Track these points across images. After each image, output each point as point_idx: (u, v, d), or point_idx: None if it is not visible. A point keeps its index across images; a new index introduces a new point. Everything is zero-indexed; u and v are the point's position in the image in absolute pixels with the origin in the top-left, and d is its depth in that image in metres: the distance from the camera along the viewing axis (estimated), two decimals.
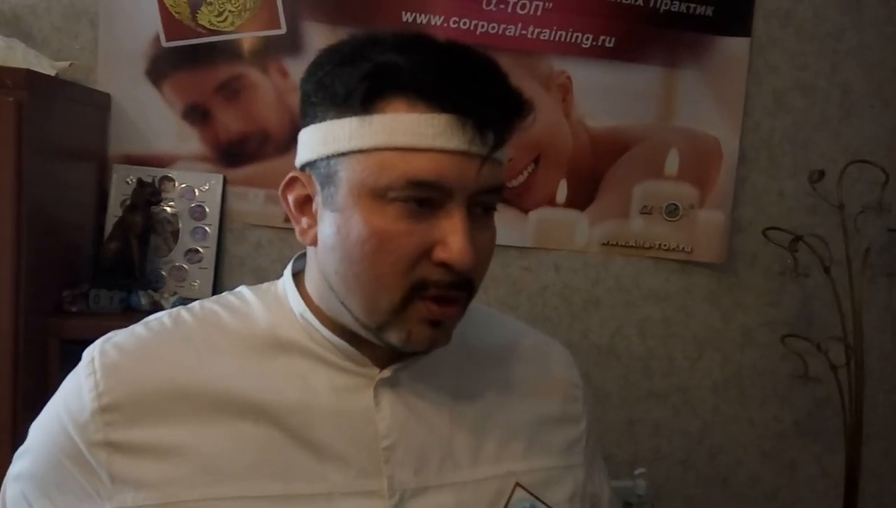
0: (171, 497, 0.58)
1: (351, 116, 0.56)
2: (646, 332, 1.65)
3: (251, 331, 0.64)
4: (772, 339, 1.63)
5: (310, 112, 0.60)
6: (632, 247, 1.62)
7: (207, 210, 1.48)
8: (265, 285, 0.69)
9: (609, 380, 1.64)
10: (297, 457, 0.60)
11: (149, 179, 1.41)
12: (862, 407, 1.50)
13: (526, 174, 1.57)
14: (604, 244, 1.61)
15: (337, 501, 0.60)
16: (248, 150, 1.50)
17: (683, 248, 1.61)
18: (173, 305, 1.33)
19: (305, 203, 0.62)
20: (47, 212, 1.23)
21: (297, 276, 0.66)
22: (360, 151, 0.56)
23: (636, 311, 1.64)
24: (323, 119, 0.58)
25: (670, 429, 1.66)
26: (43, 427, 0.62)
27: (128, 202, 1.37)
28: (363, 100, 0.56)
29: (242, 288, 0.69)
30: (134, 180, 1.42)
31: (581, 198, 1.60)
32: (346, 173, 0.57)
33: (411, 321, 0.58)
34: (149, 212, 1.37)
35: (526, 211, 1.58)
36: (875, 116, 1.63)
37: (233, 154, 1.50)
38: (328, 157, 0.58)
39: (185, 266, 1.47)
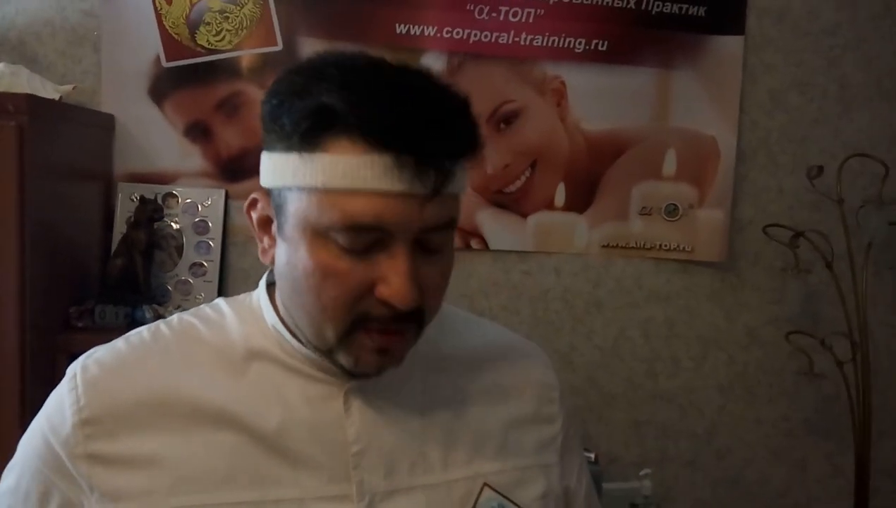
0: (148, 506, 0.60)
1: (294, 152, 0.56)
2: (649, 333, 1.64)
3: (226, 343, 0.66)
4: (776, 337, 1.62)
5: (265, 137, 0.61)
6: (632, 248, 1.62)
7: (210, 224, 1.51)
8: (242, 296, 0.71)
9: (614, 382, 1.64)
10: (271, 465, 0.62)
11: (151, 196, 1.45)
12: (870, 403, 1.49)
13: (523, 179, 1.58)
14: (604, 246, 1.62)
15: (308, 505, 0.62)
16: (248, 165, 1.53)
17: (684, 248, 1.61)
18: None
19: (267, 223, 0.63)
20: (53, 232, 1.27)
21: (271, 287, 0.68)
22: (302, 188, 0.56)
23: (639, 313, 1.64)
24: (273, 148, 0.59)
25: (677, 430, 1.66)
26: (28, 442, 0.64)
27: (132, 219, 1.41)
28: (304, 139, 0.56)
29: (219, 301, 0.71)
30: (138, 198, 1.45)
31: (579, 201, 1.60)
32: (292, 207, 0.58)
33: (357, 348, 0.60)
34: (152, 228, 1.40)
35: (524, 215, 1.60)
36: (874, 110, 1.62)
37: (234, 169, 1.53)
38: (278, 188, 0.59)
39: (189, 280, 1.50)
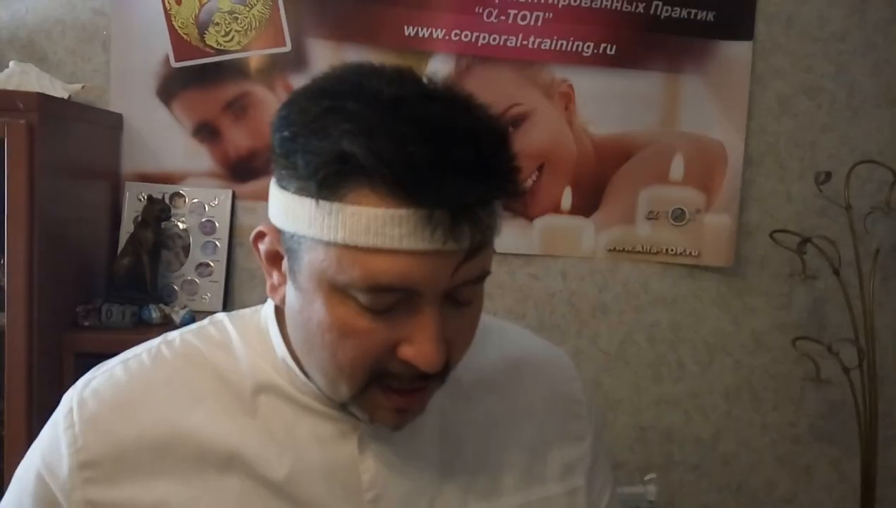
0: None
1: (310, 198, 0.50)
2: (655, 338, 1.64)
3: (233, 373, 0.61)
4: (783, 342, 1.62)
5: (276, 170, 0.54)
6: (638, 252, 1.62)
7: (217, 224, 1.51)
8: (247, 313, 0.66)
9: (619, 387, 1.64)
10: (273, 500, 0.58)
11: (159, 196, 1.45)
12: (877, 410, 1.48)
13: (530, 182, 1.58)
14: (610, 250, 1.62)
15: None
16: (256, 165, 1.53)
17: (691, 253, 1.61)
18: (183, 319, 1.36)
19: (276, 258, 0.57)
20: (61, 230, 1.27)
21: (280, 311, 0.61)
22: (320, 240, 0.50)
23: (645, 317, 1.64)
24: (285, 187, 0.53)
25: (682, 435, 1.65)
26: (23, 480, 0.60)
27: (139, 218, 1.41)
28: (322, 186, 0.49)
29: (223, 319, 0.65)
30: (146, 197, 1.46)
31: (586, 205, 1.60)
32: (307, 256, 0.52)
33: (373, 406, 0.56)
34: (159, 228, 1.40)
35: (531, 218, 1.59)
36: (882, 117, 1.61)
37: (242, 169, 1.53)
38: (291, 233, 0.53)
39: (196, 280, 1.50)
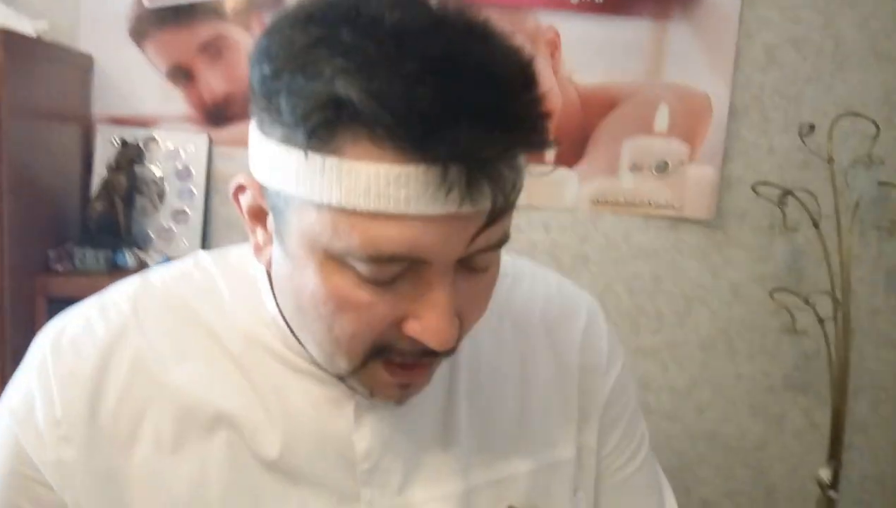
0: None
1: (297, 148, 0.42)
2: (634, 289, 1.65)
3: (220, 325, 0.55)
4: (760, 295, 1.64)
5: (256, 112, 0.46)
6: (621, 204, 1.61)
7: (193, 171, 1.48)
8: (234, 255, 0.59)
9: None
10: (271, 484, 0.53)
11: (132, 140, 1.41)
12: (849, 360, 1.51)
13: None
14: (593, 202, 1.61)
15: None
16: (233, 111, 1.49)
17: (673, 205, 1.61)
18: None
19: (260, 214, 0.49)
20: (31, 173, 1.23)
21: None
22: (310, 202, 0.43)
23: (625, 268, 1.64)
24: (268, 133, 0.44)
25: (658, 385, 1.68)
26: None
27: (112, 163, 1.37)
28: (311, 136, 0.41)
29: (207, 261, 0.58)
30: (118, 141, 1.41)
31: (570, 156, 1.59)
32: (296, 218, 0.45)
33: (373, 381, 0.50)
34: (133, 172, 1.37)
35: None
36: (867, 70, 1.60)
37: (218, 114, 1.49)
38: (276, 190, 0.45)
39: (171, 227, 1.47)
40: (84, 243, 1.31)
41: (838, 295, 1.50)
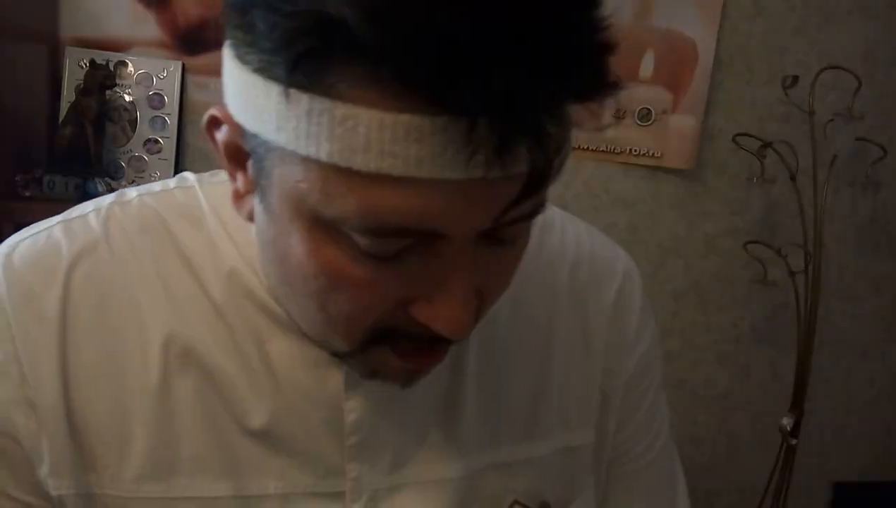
0: (109, 491, 0.45)
1: (277, 84, 0.33)
2: (611, 238, 1.65)
3: (202, 258, 0.47)
4: (734, 247, 1.66)
5: (229, 29, 0.36)
6: (603, 151, 1.60)
7: (166, 99, 1.43)
8: (223, 181, 0.46)
9: None
10: (249, 449, 0.46)
11: (102, 62, 1.35)
12: (816, 313, 1.55)
13: None
14: (575, 148, 1.60)
15: (294, 502, 0.47)
16: (208, 37, 1.43)
17: (653, 154, 1.61)
18: None
19: (240, 154, 0.39)
20: None
21: None
22: (294, 153, 0.34)
23: (603, 217, 1.64)
24: (244, 60, 0.35)
25: None
26: None
27: (81, 86, 1.32)
28: (294, 68, 0.32)
29: (192, 180, 0.50)
30: (88, 63, 1.36)
31: None
32: (277, 172, 0.36)
33: (377, 364, 0.43)
34: (103, 96, 1.32)
35: None
36: (853, 23, 1.60)
37: (192, 40, 1.44)
38: (254, 133, 0.36)
39: (144, 156, 1.43)
40: (53, 170, 1.27)
41: (810, 248, 1.52)
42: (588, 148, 1.59)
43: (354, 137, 0.32)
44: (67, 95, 1.37)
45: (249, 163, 0.39)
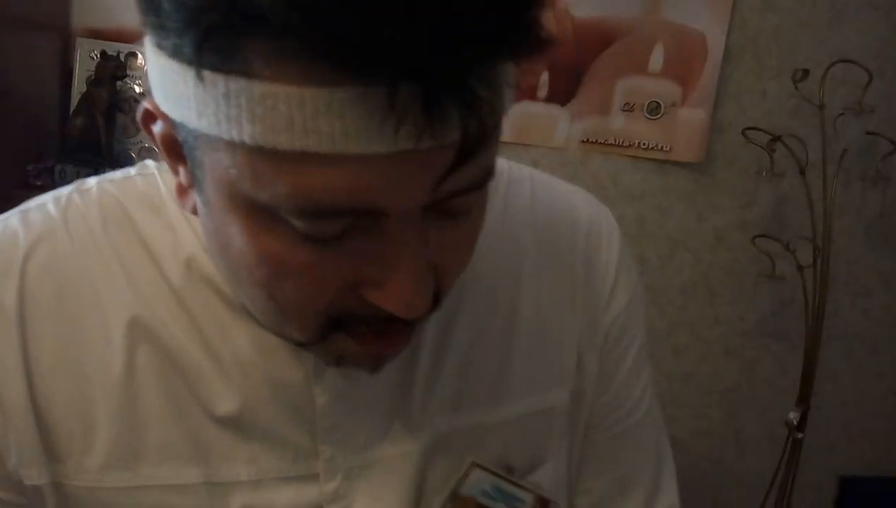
0: (74, 481, 0.44)
1: (191, 67, 0.31)
2: (620, 231, 1.65)
3: (163, 247, 0.45)
4: (743, 241, 1.65)
5: (142, 17, 0.34)
6: (611, 144, 1.60)
7: None
8: None
9: None
10: (218, 435, 0.45)
11: (113, 53, 1.36)
12: (824, 308, 1.54)
13: None
14: (583, 141, 1.60)
15: (265, 488, 0.46)
16: None
17: (662, 147, 1.60)
18: None
19: (176, 146, 0.38)
20: (7, 84, 1.18)
21: None
22: (218, 138, 0.33)
23: (611, 210, 1.59)
24: (160, 47, 0.33)
25: None
26: None
27: (92, 77, 1.33)
28: (203, 48, 0.30)
29: (152, 167, 0.49)
30: (99, 54, 1.36)
31: (562, 93, 1.57)
32: (208, 159, 0.34)
33: (339, 350, 0.41)
34: (114, 87, 1.32)
35: None
36: (864, 18, 1.59)
37: None
38: (179, 122, 0.35)
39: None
40: (64, 160, 1.28)
41: (819, 242, 1.52)
42: (596, 141, 1.59)
43: (275, 116, 0.30)
44: (78, 86, 1.38)
45: (186, 157, 0.38)
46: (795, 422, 1.54)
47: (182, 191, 0.40)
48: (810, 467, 1.74)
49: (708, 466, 1.77)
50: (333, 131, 0.30)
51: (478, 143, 0.33)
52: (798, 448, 1.56)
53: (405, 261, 0.35)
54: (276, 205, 0.33)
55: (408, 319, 0.37)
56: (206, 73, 0.31)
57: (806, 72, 1.51)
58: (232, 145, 0.32)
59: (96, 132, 1.31)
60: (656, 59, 1.56)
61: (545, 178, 0.56)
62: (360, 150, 0.31)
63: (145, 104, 0.38)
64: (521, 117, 1.57)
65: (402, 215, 0.34)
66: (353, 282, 0.36)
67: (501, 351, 0.51)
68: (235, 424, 0.45)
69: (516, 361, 0.51)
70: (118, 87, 1.35)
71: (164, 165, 0.47)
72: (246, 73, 0.30)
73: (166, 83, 0.34)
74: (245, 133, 0.31)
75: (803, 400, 1.58)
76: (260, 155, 0.32)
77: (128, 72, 1.38)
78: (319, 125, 0.30)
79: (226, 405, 0.45)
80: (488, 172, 0.36)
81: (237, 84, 0.30)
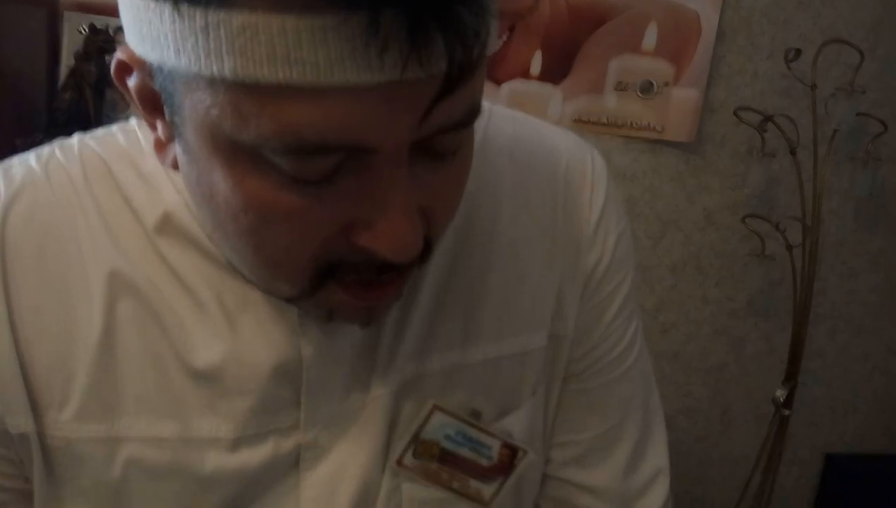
0: (53, 431, 0.44)
1: (164, 1, 0.31)
2: (608, 173, 1.66)
3: (142, 202, 0.45)
4: (733, 221, 1.66)
5: None
6: (604, 124, 1.60)
7: None
8: None
9: None
10: (197, 390, 0.44)
11: (102, 27, 1.35)
12: (812, 288, 1.56)
13: (499, 43, 1.52)
14: (576, 120, 1.59)
15: (244, 444, 0.45)
16: None
17: (655, 127, 1.60)
18: None
19: (153, 98, 0.37)
20: None
21: None
22: (199, 76, 0.32)
23: None
24: None
25: None
26: None
27: (80, 50, 1.31)
28: None
29: (133, 123, 0.48)
30: (86, 28, 1.35)
31: (555, 72, 1.56)
32: (187, 102, 0.34)
33: (330, 303, 0.41)
34: (102, 60, 1.31)
35: (498, 82, 1.55)
36: None
37: None
38: (157, 64, 0.34)
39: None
40: (52, 134, 1.26)
41: (808, 222, 1.53)
42: (589, 120, 1.59)
43: (256, 47, 0.30)
44: (67, 60, 1.36)
45: (164, 106, 0.37)
46: (782, 400, 1.56)
47: (160, 146, 0.40)
48: (796, 444, 1.77)
49: (694, 443, 1.79)
50: (317, 60, 0.30)
51: (464, 73, 0.32)
52: (784, 425, 1.59)
53: (395, 200, 0.34)
54: (260, 145, 0.32)
55: (399, 263, 0.36)
56: (184, 7, 0.31)
57: (798, 51, 1.51)
58: (213, 83, 0.32)
59: (85, 106, 1.30)
60: (649, 38, 1.56)
61: (529, 118, 0.54)
62: (345, 80, 0.30)
63: (118, 55, 0.37)
64: (514, 95, 1.56)
65: (390, 153, 0.33)
66: (343, 226, 0.36)
67: (474, 293, 0.49)
68: (216, 377, 0.44)
69: (489, 302, 0.49)
70: (107, 61, 1.34)
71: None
72: (224, 3, 0.30)
73: (142, 23, 0.33)
74: (226, 67, 0.30)
75: (790, 377, 1.60)
76: (242, 91, 0.31)
77: (116, 45, 1.36)
78: (302, 55, 0.30)
79: (208, 357, 0.44)
80: (473, 109, 0.36)
81: (216, 16, 0.30)
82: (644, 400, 0.57)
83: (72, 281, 0.44)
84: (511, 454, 0.49)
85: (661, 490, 0.57)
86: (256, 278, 0.42)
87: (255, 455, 0.45)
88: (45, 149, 0.47)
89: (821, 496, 1.85)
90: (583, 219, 0.51)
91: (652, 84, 1.58)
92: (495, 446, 0.48)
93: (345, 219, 0.35)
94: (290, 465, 0.47)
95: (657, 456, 0.58)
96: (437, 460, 0.47)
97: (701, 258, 1.71)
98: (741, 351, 1.77)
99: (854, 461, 1.84)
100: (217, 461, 0.45)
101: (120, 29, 1.37)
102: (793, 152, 1.52)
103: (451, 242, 0.49)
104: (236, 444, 0.45)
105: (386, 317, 0.46)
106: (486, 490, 0.49)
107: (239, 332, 0.44)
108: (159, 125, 0.39)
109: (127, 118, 0.49)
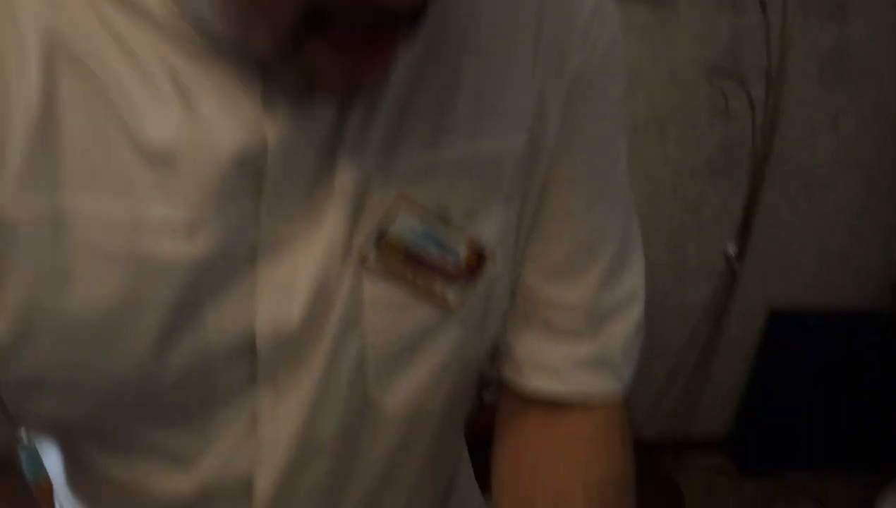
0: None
1: None
2: None
3: None
4: (698, 80, 1.65)
5: None
6: None
7: None
8: None
9: None
10: (146, 171, 0.40)
11: None
12: (772, 147, 1.57)
13: None
14: None
15: (199, 234, 0.41)
16: None
17: None
18: None
19: None
20: None
21: None
22: None
23: None
24: None
25: None
26: None
27: None
28: None
29: None
30: None
31: None
32: None
33: (311, 68, 0.37)
34: None
35: None
36: None
37: None
38: None
39: None
40: None
41: (773, 75, 1.52)
42: None
43: None
44: None
45: None
46: (734, 254, 1.62)
47: None
48: (744, 299, 1.86)
49: (649, 299, 1.87)
50: None
51: None
52: (734, 280, 1.65)
53: None
54: None
55: (397, 7, 0.32)
56: None
57: None
58: None
59: None
60: None
61: None
62: None
63: None
64: None
65: None
66: None
67: (448, 88, 0.45)
68: (170, 159, 0.40)
69: (463, 98, 0.45)
70: None
71: None
72: None
73: None
74: None
75: (742, 233, 1.65)
76: None
77: None
78: None
79: (159, 134, 0.39)
80: None
81: None
82: (624, 225, 0.54)
83: (2, 39, 0.38)
84: (478, 260, 0.46)
85: (635, 312, 0.55)
86: (229, 23, 0.37)
87: (210, 246, 0.41)
88: None
89: (763, 347, 1.97)
90: (574, 13, 0.46)
91: None
92: (462, 249, 0.46)
93: None
94: (247, 259, 0.43)
95: (633, 280, 0.55)
96: (402, 262, 0.45)
97: (664, 117, 1.70)
98: (698, 211, 1.81)
99: (796, 317, 1.94)
100: (169, 248, 0.41)
101: None
102: (763, 7, 1.49)
103: (426, 33, 0.43)
104: (191, 232, 0.41)
105: (367, 94, 0.41)
106: (452, 295, 0.47)
107: (195, 111, 0.39)
108: None
109: None
